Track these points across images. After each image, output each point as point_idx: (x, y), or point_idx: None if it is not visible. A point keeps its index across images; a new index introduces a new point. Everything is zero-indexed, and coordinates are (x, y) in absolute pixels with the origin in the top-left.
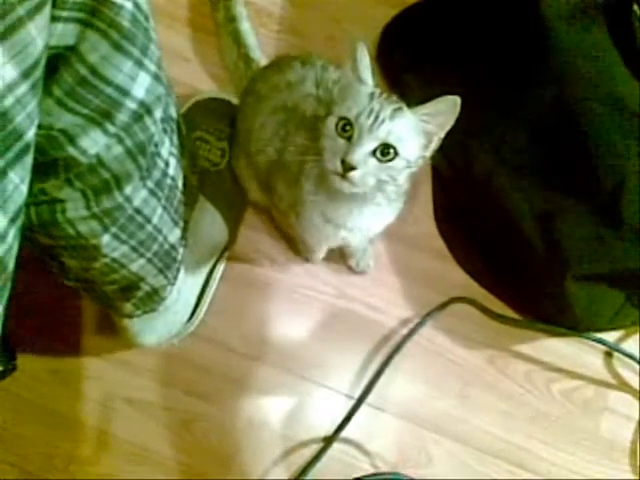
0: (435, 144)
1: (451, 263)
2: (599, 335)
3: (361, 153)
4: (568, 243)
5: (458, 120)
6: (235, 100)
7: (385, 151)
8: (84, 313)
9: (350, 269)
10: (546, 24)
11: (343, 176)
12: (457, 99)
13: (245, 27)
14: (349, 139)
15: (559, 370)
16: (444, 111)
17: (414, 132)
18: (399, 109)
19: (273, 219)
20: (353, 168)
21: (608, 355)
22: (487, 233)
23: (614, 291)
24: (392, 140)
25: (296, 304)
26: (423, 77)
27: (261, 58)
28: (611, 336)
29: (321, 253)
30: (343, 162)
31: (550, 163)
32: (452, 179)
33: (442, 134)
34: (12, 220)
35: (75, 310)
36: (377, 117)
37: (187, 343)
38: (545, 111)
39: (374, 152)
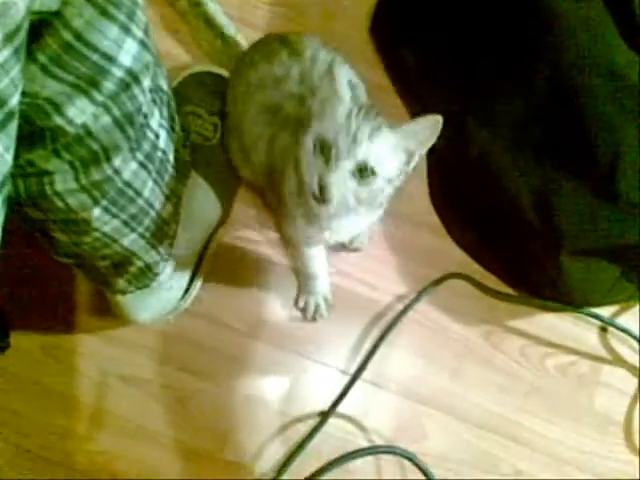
0: (417, 160)
1: (446, 239)
2: (594, 310)
3: (338, 175)
4: (564, 218)
5: (454, 95)
6: (228, 74)
7: (363, 171)
8: (78, 290)
9: (344, 246)
10: None
11: (321, 201)
12: (439, 118)
13: (212, 7)
14: (327, 159)
15: (554, 345)
16: (425, 130)
17: (394, 151)
18: (378, 128)
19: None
20: (329, 199)
21: (603, 330)
22: (483, 209)
23: (609, 266)
24: (370, 161)
25: (290, 280)
26: (418, 49)
27: (237, 33)
28: (606, 311)
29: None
30: (320, 184)
31: (547, 138)
32: (448, 155)
33: (423, 151)
34: None
35: (69, 287)
36: (355, 138)
37: (182, 320)
38: (542, 85)
39: (352, 173)
